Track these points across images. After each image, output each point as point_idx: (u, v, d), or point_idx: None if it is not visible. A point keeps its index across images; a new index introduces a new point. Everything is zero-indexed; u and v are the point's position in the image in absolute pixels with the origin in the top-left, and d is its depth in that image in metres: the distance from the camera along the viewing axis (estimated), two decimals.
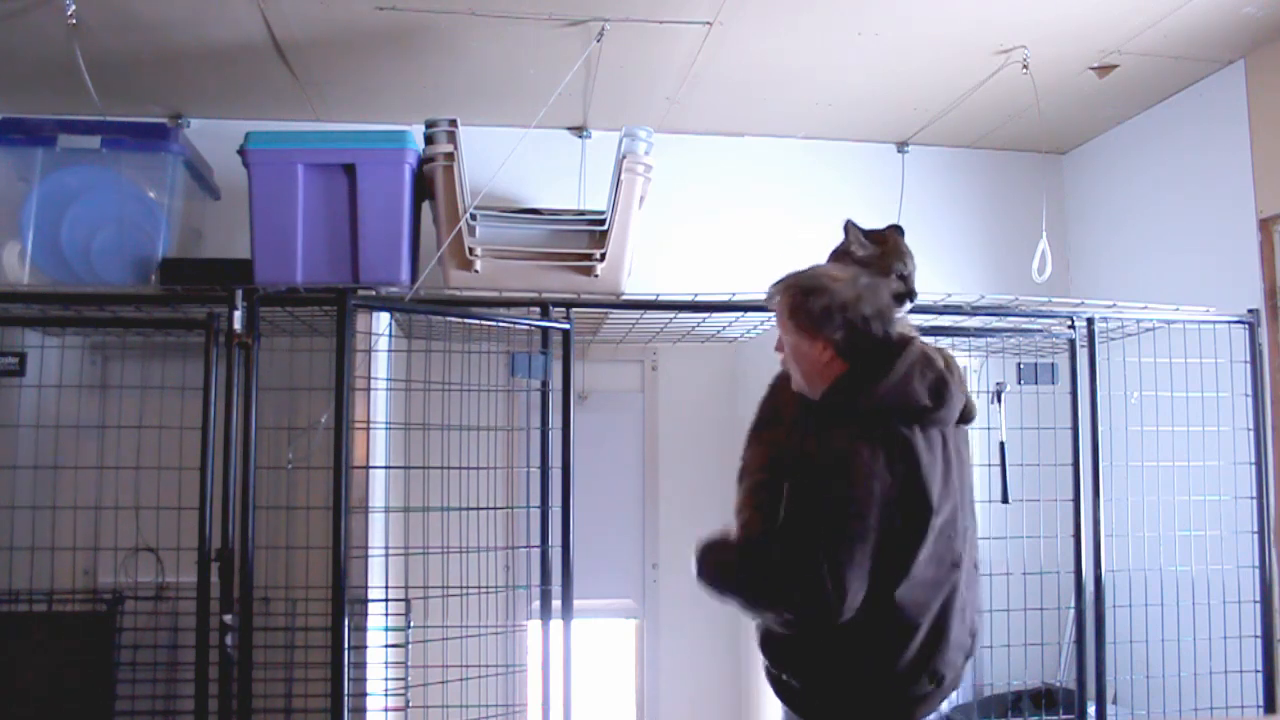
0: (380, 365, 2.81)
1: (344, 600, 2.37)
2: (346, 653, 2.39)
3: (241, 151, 2.74)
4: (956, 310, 2.90)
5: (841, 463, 1.76)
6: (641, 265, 3.18)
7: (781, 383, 2.05)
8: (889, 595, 1.78)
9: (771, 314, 2.00)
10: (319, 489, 2.72)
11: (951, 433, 1.92)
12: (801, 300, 1.88)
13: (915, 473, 1.79)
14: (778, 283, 1.95)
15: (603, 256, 2.88)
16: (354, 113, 3.52)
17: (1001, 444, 3.01)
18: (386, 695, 2.70)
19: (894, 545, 1.77)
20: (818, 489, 1.78)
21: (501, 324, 2.76)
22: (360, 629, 2.64)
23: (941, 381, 1.86)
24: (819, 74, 3.23)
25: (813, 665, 1.89)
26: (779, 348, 1.97)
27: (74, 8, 2.61)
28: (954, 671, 1.90)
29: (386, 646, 2.69)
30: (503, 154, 3.07)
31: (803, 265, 2.02)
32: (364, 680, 2.65)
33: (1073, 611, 2.98)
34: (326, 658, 2.70)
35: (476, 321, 2.75)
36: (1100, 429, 2.86)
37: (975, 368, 3.56)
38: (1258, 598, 2.90)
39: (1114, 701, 3.05)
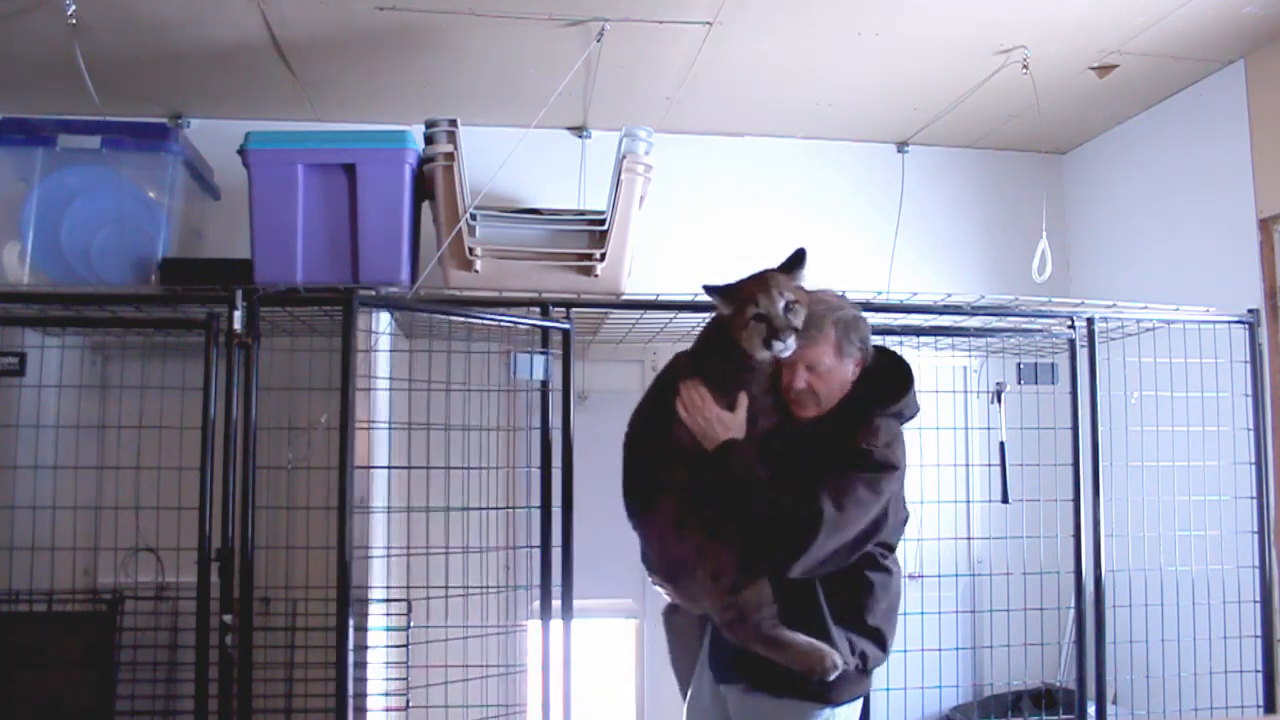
0: (380, 365, 2.81)
1: (348, 599, 2.36)
2: (350, 652, 2.38)
3: (241, 151, 2.74)
4: (956, 310, 2.90)
5: (881, 462, 1.95)
6: (641, 265, 3.17)
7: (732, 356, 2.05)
8: (889, 569, 2.02)
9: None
10: (319, 489, 2.72)
11: None
12: (845, 333, 2.01)
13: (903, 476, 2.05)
14: (818, 321, 1.99)
15: (603, 256, 2.88)
16: (354, 113, 3.52)
17: (1001, 444, 3.02)
18: (386, 695, 2.70)
19: (891, 529, 2.01)
20: (854, 471, 1.93)
21: (504, 323, 2.75)
22: (361, 629, 2.64)
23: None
24: (819, 74, 3.23)
25: (839, 635, 1.94)
26: (808, 385, 1.99)
27: (74, 8, 2.62)
28: None
29: (387, 647, 2.69)
30: (503, 154, 3.06)
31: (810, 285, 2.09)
32: (364, 680, 2.65)
33: (1073, 611, 2.98)
34: (326, 658, 2.71)
35: (479, 321, 2.74)
36: (1100, 429, 2.86)
37: (975, 368, 3.56)
38: (1258, 598, 2.90)
39: (1114, 701, 3.05)
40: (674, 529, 2.01)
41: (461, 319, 2.68)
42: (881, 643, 1.98)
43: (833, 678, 1.87)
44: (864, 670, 1.99)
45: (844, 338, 2.00)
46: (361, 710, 2.64)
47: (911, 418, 2.08)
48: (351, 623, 2.45)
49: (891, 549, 2.03)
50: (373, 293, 2.75)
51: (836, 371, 2.00)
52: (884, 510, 1.95)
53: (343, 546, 2.35)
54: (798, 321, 1.96)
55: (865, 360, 2.04)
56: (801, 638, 1.89)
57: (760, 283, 1.99)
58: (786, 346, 1.94)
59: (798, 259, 2.06)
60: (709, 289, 2.05)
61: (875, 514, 1.93)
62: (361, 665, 2.65)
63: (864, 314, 2.10)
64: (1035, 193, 3.51)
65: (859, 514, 1.90)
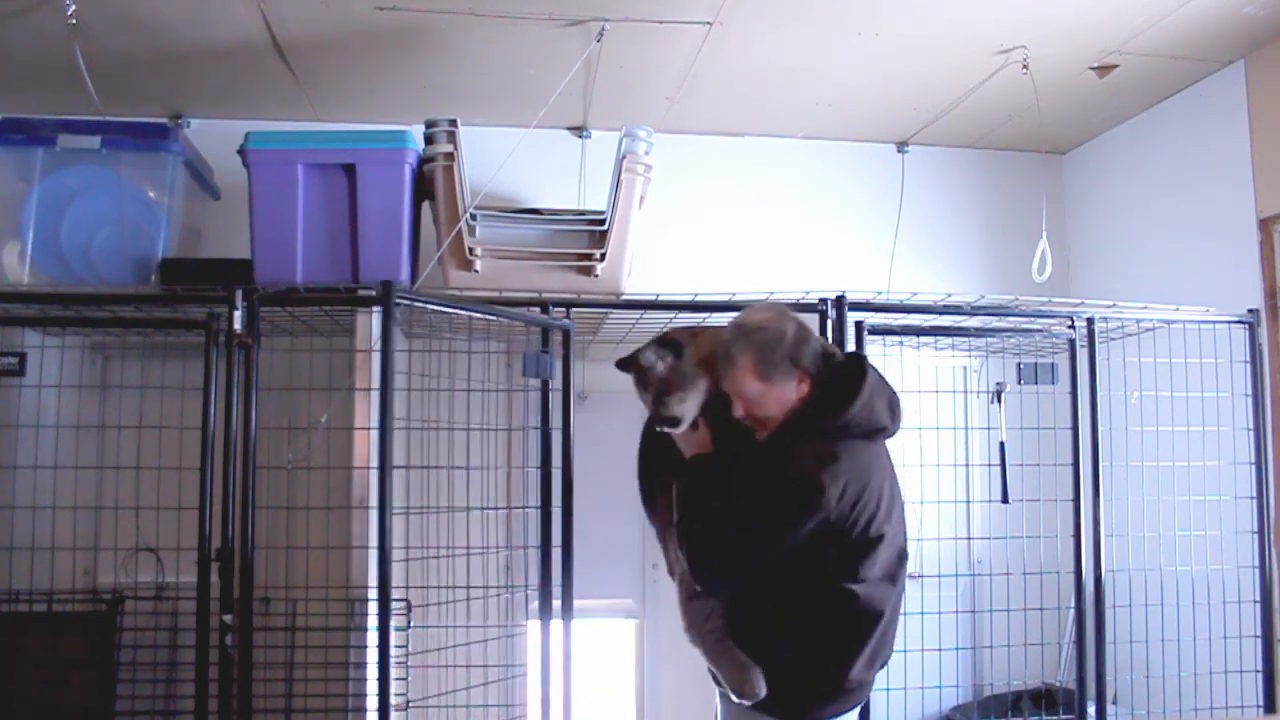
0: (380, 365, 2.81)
1: (389, 598, 2.34)
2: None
3: (241, 151, 2.75)
4: (956, 310, 2.89)
5: (798, 487, 1.86)
6: (641, 265, 3.17)
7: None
8: (852, 591, 1.89)
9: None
10: (319, 489, 2.72)
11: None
12: (764, 354, 1.92)
13: (872, 485, 1.91)
14: (730, 350, 1.95)
15: (603, 256, 2.88)
16: (354, 113, 3.52)
17: (1001, 444, 3.02)
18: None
19: (850, 550, 1.89)
20: (765, 497, 1.88)
21: (525, 320, 2.73)
22: (362, 629, 2.64)
23: (895, 399, 2.02)
24: (819, 74, 3.23)
25: (790, 656, 1.92)
26: (745, 410, 1.96)
27: (74, 8, 2.62)
28: (890, 653, 2.05)
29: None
30: (503, 154, 3.07)
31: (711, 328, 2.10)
32: (364, 680, 2.65)
33: (1073, 611, 2.98)
34: (327, 657, 2.71)
35: (494, 318, 2.72)
36: (1100, 429, 2.86)
37: (975, 368, 3.57)
38: (1258, 598, 2.90)
39: (1114, 701, 3.05)
40: (666, 532, 2.07)
41: (482, 316, 2.67)
42: (845, 662, 1.91)
43: (750, 704, 1.89)
44: (835, 691, 1.93)
45: (763, 359, 1.91)
46: (361, 710, 2.64)
47: (870, 431, 1.95)
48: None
49: (853, 571, 1.89)
50: (407, 290, 2.74)
51: (768, 393, 1.93)
52: (813, 535, 1.85)
53: (383, 545, 2.33)
54: (675, 410, 1.97)
55: (813, 372, 1.95)
56: (736, 656, 1.91)
57: (636, 379, 2.03)
58: (674, 431, 2.00)
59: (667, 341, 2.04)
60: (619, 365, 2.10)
61: (791, 539, 1.85)
62: (361, 665, 2.65)
63: (798, 325, 1.98)
64: (1035, 193, 3.51)
65: (765, 540, 1.86)
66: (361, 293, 2.75)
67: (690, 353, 1.99)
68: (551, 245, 2.91)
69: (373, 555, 2.70)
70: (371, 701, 2.65)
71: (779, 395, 1.93)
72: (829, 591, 1.90)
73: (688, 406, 1.98)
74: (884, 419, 1.96)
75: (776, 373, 1.92)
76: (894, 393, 2.03)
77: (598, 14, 2.77)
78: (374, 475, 2.71)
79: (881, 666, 2.02)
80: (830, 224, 3.80)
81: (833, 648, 1.92)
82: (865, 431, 1.94)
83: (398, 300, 2.44)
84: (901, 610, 2.04)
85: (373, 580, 2.71)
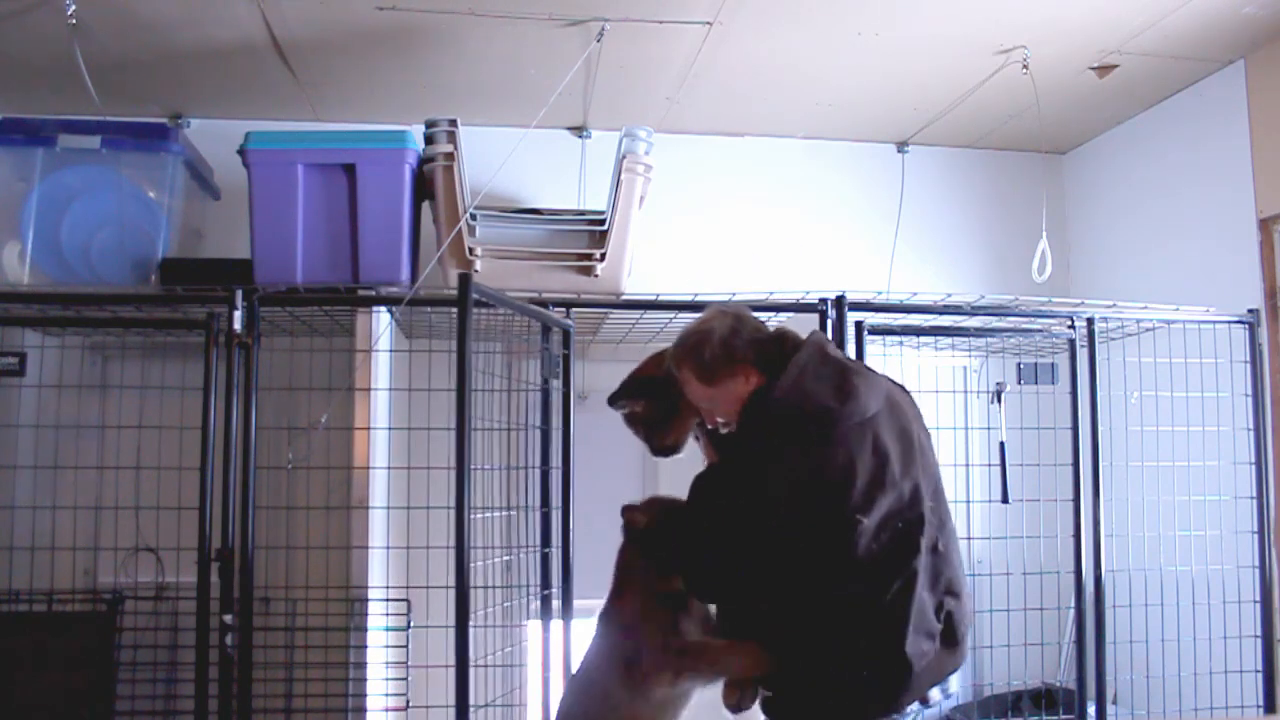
0: (381, 365, 2.81)
1: (468, 596, 2.29)
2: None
3: (241, 151, 2.75)
4: (956, 310, 2.89)
5: (735, 486, 1.84)
6: (641, 265, 3.17)
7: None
8: (830, 592, 1.78)
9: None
10: (319, 489, 2.73)
11: (886, 421, 1.84)
12: (699, 359, 1.87)
13: (829, 473, 1.76)
14: (672, 364, 1.94)
15: (603, 256, 2.88)
16: (354, 113, 3.52)
17: (1001, 444, 3.02)
18: (387, 695, 2.70)
19: (815, 547, 1.77)
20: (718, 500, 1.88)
21: (547, 321, 2.73)
22: (362, 629, 2.64)
23: (843, 376, 1.83)
24: (819, 74, 3.23)
25: (782, 664, 1.88)
26: (715, 421, 1.95)
27: (74, 8, 2.61)
28: (924, 657, 1.81)
29: (387, 647, 2.69)
30: (503, 154, 3.06)
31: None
32: (364, 680, 2.65)
33: (1073, 611, 2.98)
34: (327, 658, 2.71)
35: (521, 315, 2.70)
36: (1100, 429, 2.86)
37: (975, 368, 3.56)
38: (1258, 598, 2.90)
39: (1114, 701, 3.05)
40: None
41: (521, 315, 2.66)
42: (840, 669, 1.80)
43: (736, 714, 1.92)
44: (839, 700, 1.83)
45: (697, 363, 1.86)
46: (361, 710, 2.64)
47: (814, 415, 1.77)
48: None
49: (831, 568, 1.78)
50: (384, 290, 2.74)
51: (718, 395, 1.88)
52: (763, 533, 1.78)
53: (461, 546, 2.26)
54: (663, 443, 2.09)
55: (757, 363, 1.85)
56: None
57: (626, 421, 2.14)
58: (678, 456, 2.11)
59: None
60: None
61: (734, 538, 1.79)
62: (362, 665, 2.65)
63: (732, 320, 1.91)
64: (1035, 193, 3.51)
65: (707, 539, 1.85)
66: (361, 293, 2.76)
67: (657, 385, 2.02)
68: (551, 245, 2.91)
69: (373, 555, 2.72)
70: (372, 701, 2.66)
71: (729, 394, 1.86)
72: (805, 594, 1.81)
73: (675, 435, 2.06)
74: (825, 399, 1.77)
75: (715, 373, 1.85)
76: (848, 372, 1.85)
77: (598, 14, 2.77)
78: (374, 475, 2.72)
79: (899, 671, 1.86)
80: (830, 224, 3.80)
81: (821, 655, 1.82)
82: (808, 417, 1.78)
83: (477, 299, 2.32)
84: (916, 610, 1.83)
85: (373, 580, 2.73)
